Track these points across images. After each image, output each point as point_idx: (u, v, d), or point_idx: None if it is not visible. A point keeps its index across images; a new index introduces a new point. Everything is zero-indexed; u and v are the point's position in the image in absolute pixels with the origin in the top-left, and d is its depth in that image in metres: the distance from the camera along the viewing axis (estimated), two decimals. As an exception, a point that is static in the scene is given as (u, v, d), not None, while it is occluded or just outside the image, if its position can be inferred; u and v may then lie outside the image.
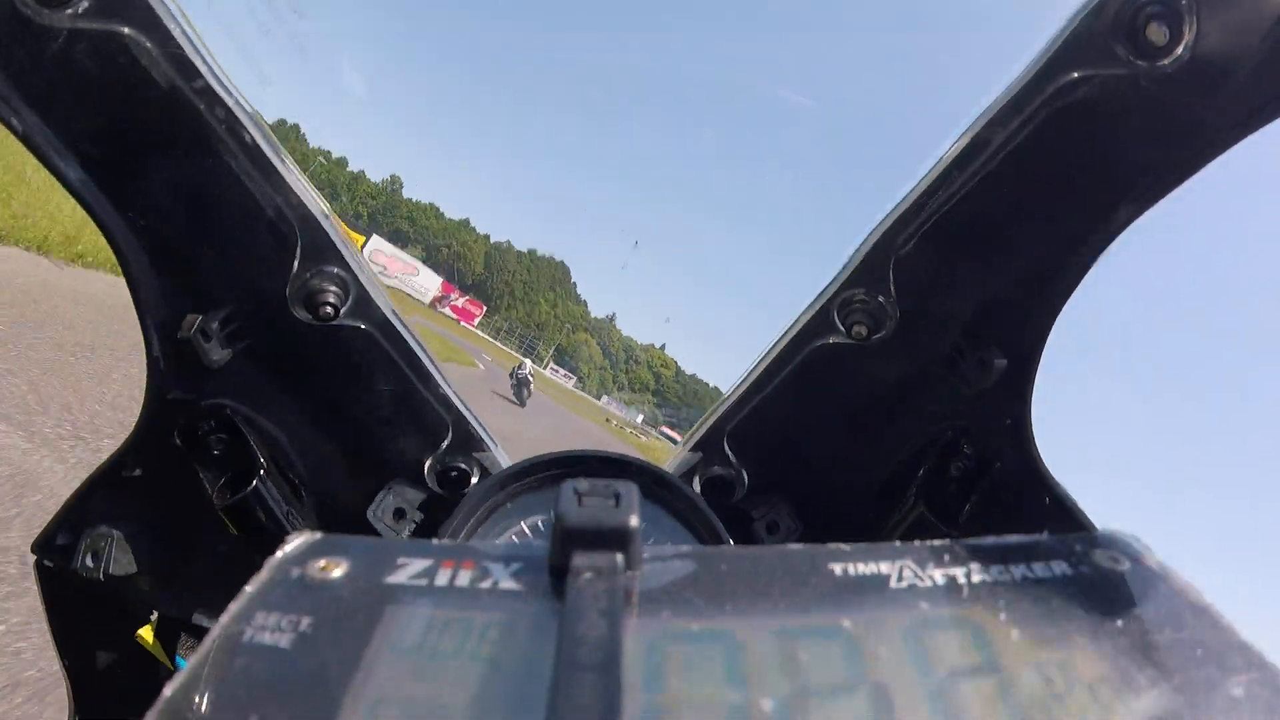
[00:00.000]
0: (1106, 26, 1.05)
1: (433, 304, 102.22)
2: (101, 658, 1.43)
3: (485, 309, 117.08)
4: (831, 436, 1.53)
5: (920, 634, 0.51)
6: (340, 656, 0.47)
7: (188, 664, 0.47)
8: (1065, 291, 1.24)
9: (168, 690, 0.45)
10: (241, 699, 0.44)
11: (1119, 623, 0.53)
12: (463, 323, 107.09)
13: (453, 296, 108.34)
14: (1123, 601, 0.55)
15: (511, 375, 42.65)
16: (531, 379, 42.70)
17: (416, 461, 1.52)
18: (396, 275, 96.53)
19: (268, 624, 0.49)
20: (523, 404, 40.09)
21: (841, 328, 1.35)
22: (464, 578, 0.53)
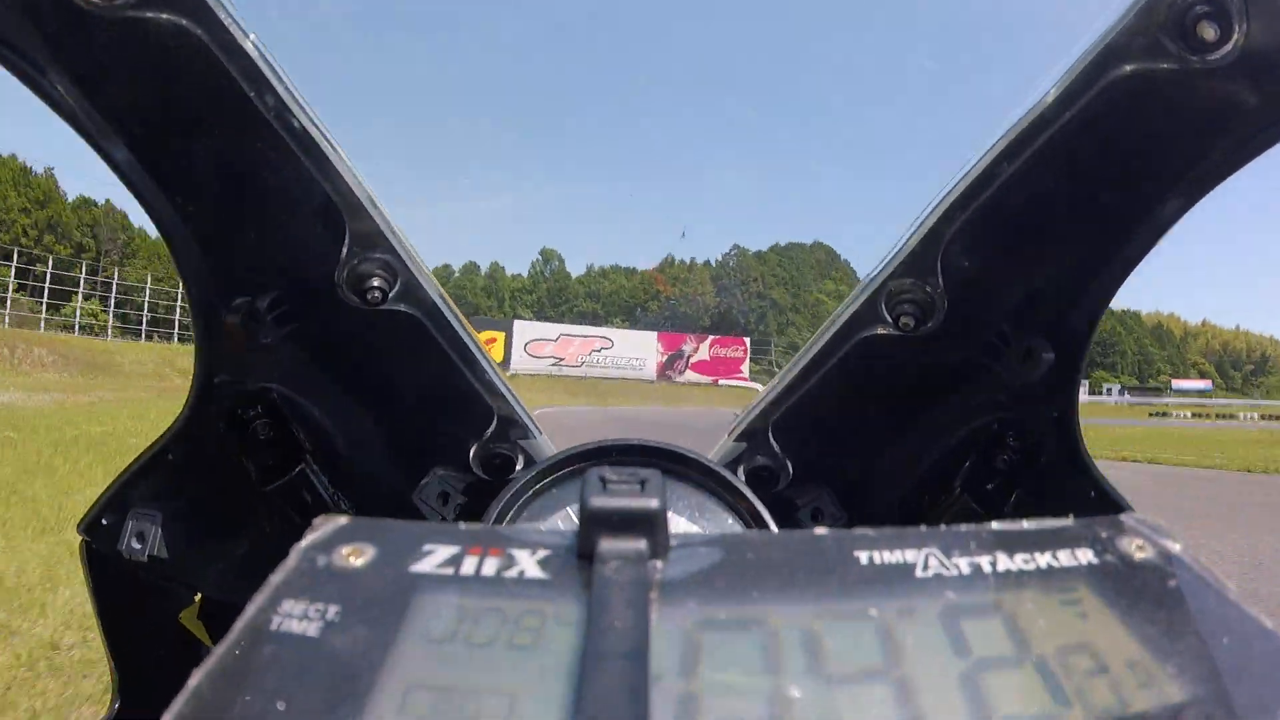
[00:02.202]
0: (1158, 22, 1.04)
1: (661, 374, 71.29)
2: (145, 639, 1.45)
3: (748, 343, 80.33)
4: (876, 427, 1.53)
5: (947, 622, 0.51)
6: (368, 646, 0.47)
7: (215, 651, 0.47)
8: (1113, 285, 1.24)
9: (194, 678, 0.45)
10: (269, 688, 0.44)
11: (1143, 609, 0.53)
12: (722, 381, 72.58)
13: (686, 350, 73.59)
14: (1151, 589, 0.55)
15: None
16: None
17: (462, 447, 1.53)
18: (580, 360, 68.70)
19: (295, 612, 0.49)
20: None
21: (889, 318, 1.34)
22: (490, 565, 0.53)
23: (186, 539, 1.40)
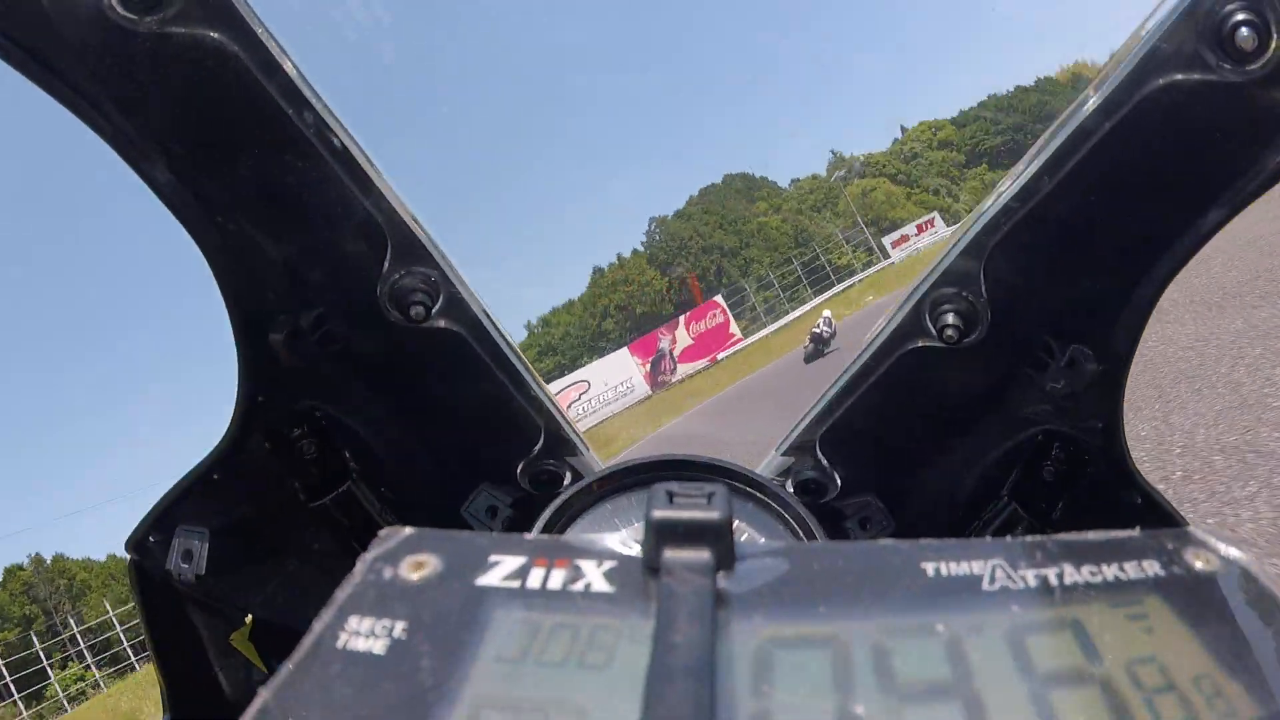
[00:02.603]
0: (1194, 33, 1.04)
1: (654, 384, 59.17)
2: (196, 659, 1.45)
3: (723, 300, 67.67)
4: (923, 439, 1.54)
5: (1016, 636, 0.51)
6: (437, 663, 0.47)
7: (282, 670, 0.47)
8: (1155, 293, 1.24)
9: (262, 697, 0.45)
10: (337, 707, 0.44)
11: (1211, 623, 0.53)
12: (720, 355, 61.35)
13: (664, 345, 61.40)
14: (1217, 601, 0.55)
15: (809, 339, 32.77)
16: (832, 331, 32.32)
17: (509, 464, 1.54)
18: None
19: (361, 629, 0.49)
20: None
21: (933, 330, 1.35)
22: (557, 577, 0.53)
23: (233, 557, 1.41)
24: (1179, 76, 1.06)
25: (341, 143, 1.19)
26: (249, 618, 1.48)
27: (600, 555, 0.55)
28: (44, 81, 1.08)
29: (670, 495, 0.56)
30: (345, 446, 1.44)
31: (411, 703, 0.45)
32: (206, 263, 1.24)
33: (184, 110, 1.14)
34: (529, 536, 0.57)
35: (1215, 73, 1.04)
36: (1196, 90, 1.06)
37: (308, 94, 1.15)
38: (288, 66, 1.13)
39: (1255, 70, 1.03)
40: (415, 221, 1.29)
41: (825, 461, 1.54)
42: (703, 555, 0.53)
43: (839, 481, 1.55)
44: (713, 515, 0.54)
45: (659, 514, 0.54)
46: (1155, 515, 1.33)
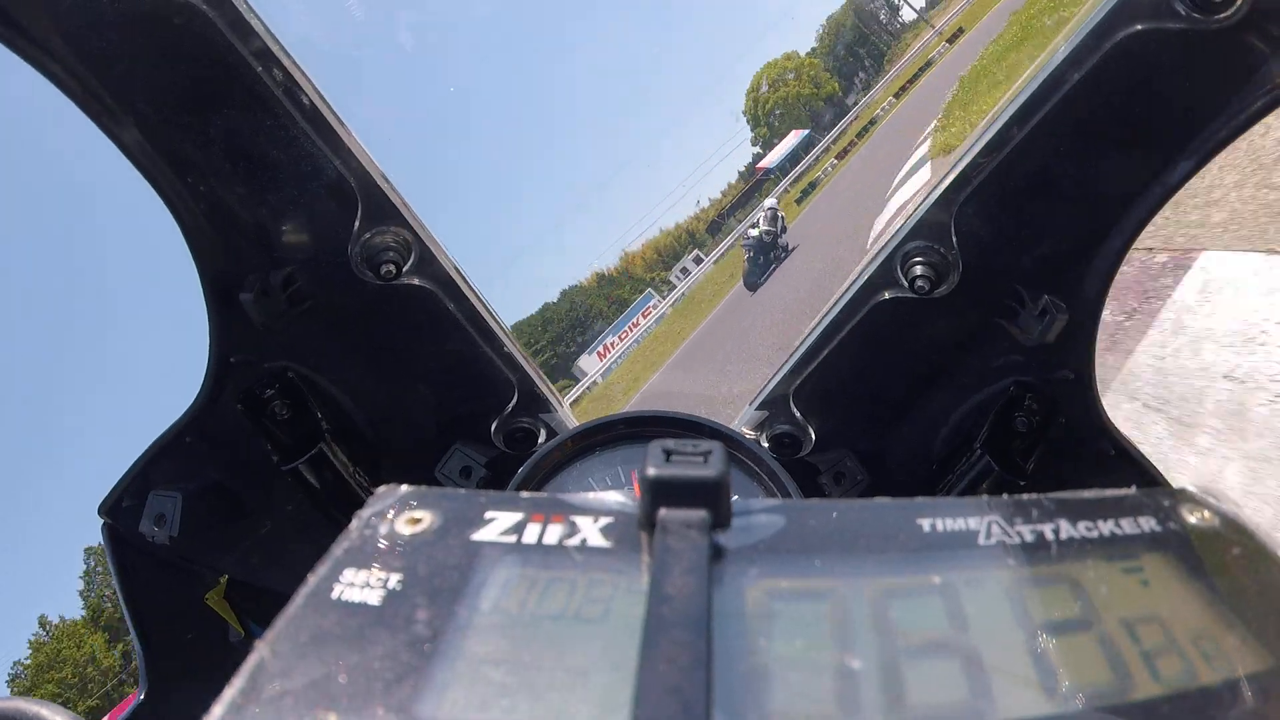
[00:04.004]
0: None
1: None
2: (172, 621, 1.44)
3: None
4: (896, 390, 1.55)
5: (1013, 589, 0.51)
6: (432, 614, 0.47)
7: (277, 622, 0.47)
8: (1125, 244, 1.25)
9: (259, 651, 0.45)
10: (333, 658, 0.44)
11: (1207, 578, 0.53)
12: None
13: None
14: (1213, 557, 0.54)
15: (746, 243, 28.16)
16: (776, 229, 27.60)
17: (483, 422, 1.54)
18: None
19: (357, 580, 0.49)
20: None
21: (904, 281, 1.36)
22: (553, 533, 0.53)
23: (207, 520, 1.41)
24: (1149, 25, 1.08)
25: (310, 102, 1.18)
26: (223, 578, 1.47)
27: (596, 512, 0.55)
28: (11, 41, 1.06)
29: (667, 453, 0.55)
30: (318, 407, 1.43)
31: (408, 652, 0.44)
32: (176, 222, 1.23)
33: (153, 69, 1.13)
34: (525, 494, 0.57)
35: (1185, 21, 1.06)
36: (1166, 39, 1.08)
37: (277, 52, 1.14)
38: (256, 25, 1.12)
39: (1225, 19, 1.04)
40: (386, 181, 1.28)
41: (800, 415, 1.55)
42: (699, 513, 0.53)
43: (814, 436, 1.56)
44: (709, 474, 0.54)
45: (655, 472, 0.53)
46: (1128, 465, 1.35)
